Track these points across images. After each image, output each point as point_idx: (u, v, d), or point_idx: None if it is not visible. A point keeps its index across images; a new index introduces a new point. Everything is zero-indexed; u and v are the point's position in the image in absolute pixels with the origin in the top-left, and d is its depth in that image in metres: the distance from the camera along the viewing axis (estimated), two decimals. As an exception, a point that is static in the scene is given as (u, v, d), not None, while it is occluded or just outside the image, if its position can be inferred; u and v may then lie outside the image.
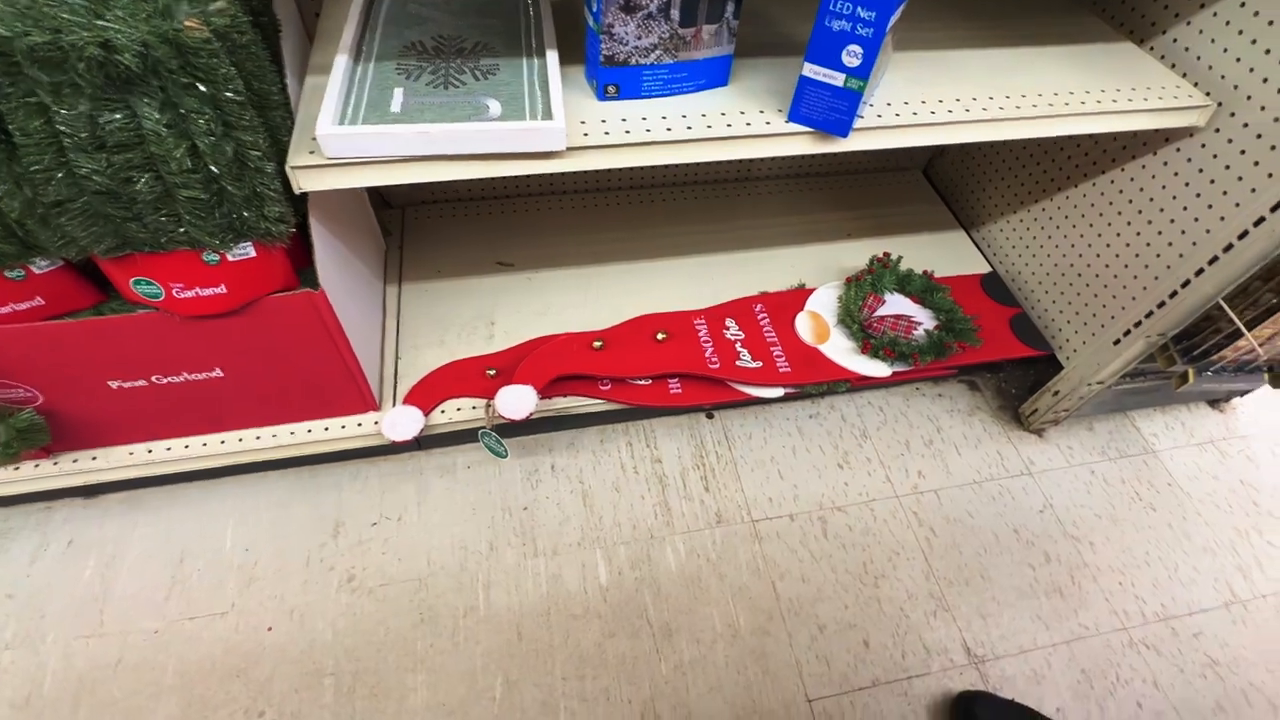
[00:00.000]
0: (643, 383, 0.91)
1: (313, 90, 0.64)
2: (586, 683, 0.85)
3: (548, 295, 1.03)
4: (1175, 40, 0.81)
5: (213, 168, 0.52)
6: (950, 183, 1.29)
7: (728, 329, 0.95)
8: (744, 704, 0.85)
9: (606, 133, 0.63)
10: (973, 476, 1.09)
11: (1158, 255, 0.87)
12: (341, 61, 0.63)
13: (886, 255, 1.05)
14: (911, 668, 0.90)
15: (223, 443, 0.83)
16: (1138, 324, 0.91)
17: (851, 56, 0.59)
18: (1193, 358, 0.93)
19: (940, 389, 1.19)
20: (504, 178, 0.63)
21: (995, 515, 1.05)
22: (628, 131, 0.64)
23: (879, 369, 0.93)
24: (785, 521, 1.01)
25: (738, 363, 0.91)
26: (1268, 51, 0.72)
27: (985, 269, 1.14)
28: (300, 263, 0.68)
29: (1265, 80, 0.72)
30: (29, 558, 0.90)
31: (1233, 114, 0.76)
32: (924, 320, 0.99)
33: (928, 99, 0.72)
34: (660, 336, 0.92)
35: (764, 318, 0.98)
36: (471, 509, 0.99)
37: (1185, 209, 0.83)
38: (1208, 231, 0.80)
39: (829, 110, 0.64)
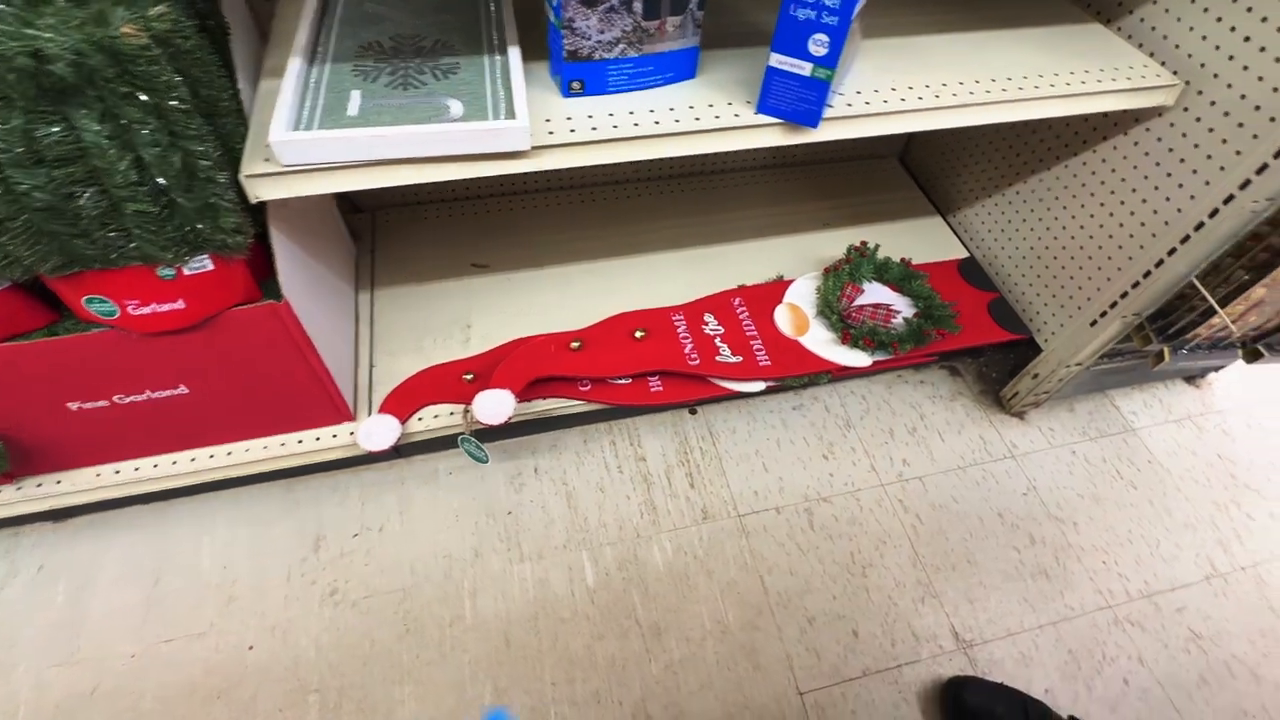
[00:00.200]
0: (623, 382, 0.90)
1: (267, 95, 0.62)
2: (576, 686, 0.85)
3: (525, 296, 1.01)
4: (1142, 20, 0.81)
5: (160, 180, 0.50)
6: (926, 169, 1.29)
7: (706, 324, 0.94)
8: (735, 700, 0.85)
9: (572, 130, 0.62)
10: (956, 462, 1.09)
11: (1131, 235, 0.87)
12: (295, 65, 0.61)
13: (864, 244, 1.05)
14: (901, 655, 0.90)
15: (193, 460, 0.81)
16: (1114, 305, 0.91)
17: (818, 45, 0.58)
18: (1168, 336, 0.94)
19: (922, 376, 1.19)
20: (477, 178, 0.61)
21: (980, 500, 1.05)
22: (594, 129, 0.62)
23: (859, 359, 0.92)
24: (772, 515, 1.01)
25: (717, 358, 0.90)
26: (1233, 29, 0.72)
27: (963, 254, 1.15)
28: (263, 273, 0.66)
29: (1231, 58, 0.72)
30: (-3, 586, 0.88)
31: (1200, 92, 0.76)
32: (903, 308, 0.98)
33: (898, 86, 0.71)
34: (639, 334, 0.91)
35: (743, 311, 0.97)
36: (455, 516, 0.97)
37: (1157, 188, 0.83)
38: (1179, 210, 0.80)
39: (798, 101, 0.63)
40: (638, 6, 0.60)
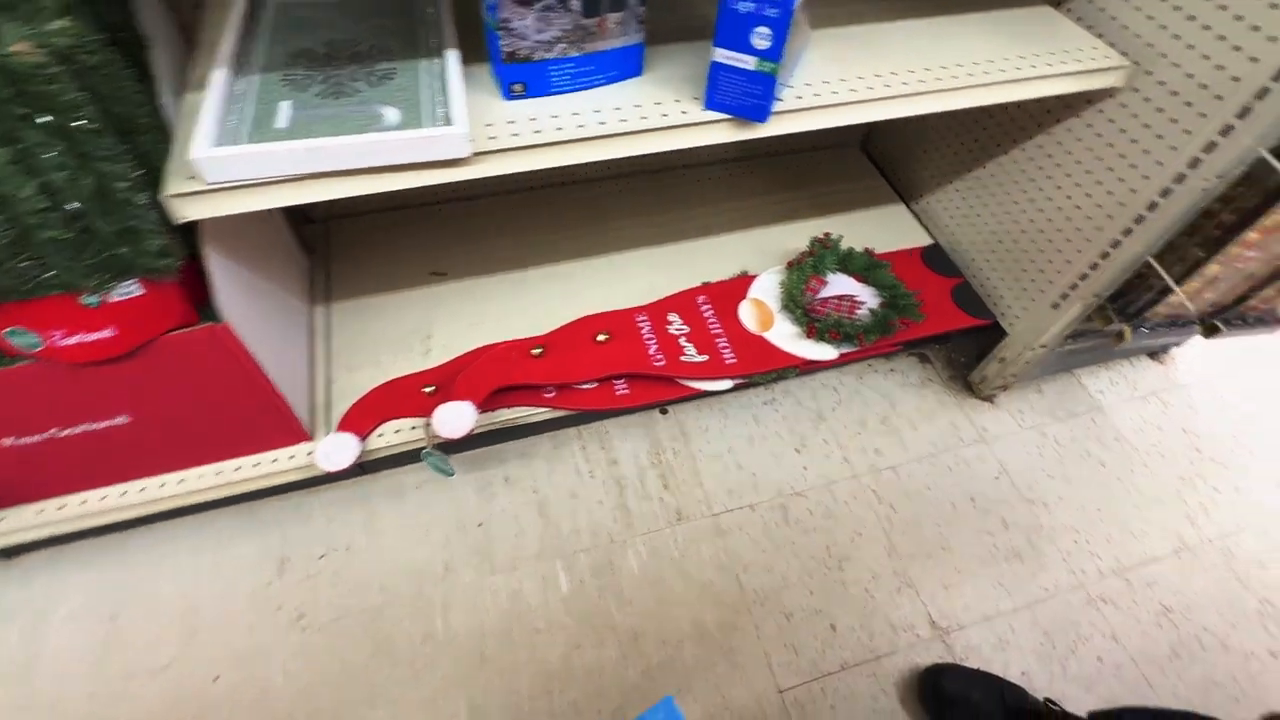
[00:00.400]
0: (588, 386, 0.88)
1: (192, 109, 0.59)
2: (554, 698, 0.83)
3: (485, 303, 0.99)
4: (1091, 1, 0.81)
5: (73, 204, 0.47)
6: (888, 156, 1.28)
7: (671, 324, 0.93)
8: (715, 702, 0.84)
9: (515, 134, 0.60)
10: (928, 449, 1.09)
11: (1088, 217, 0.87)
12: (220, 76, 0.58)
13: (827, 235, 1.04)
14: (879, 647, 0.90)
15: (143, 490, 0.78)
16: (1074, 286, 0.92)
17: (761, 39, 0.56)
18: (1128, 316, 0.94)
19: (892, 364, 1.19)
20: (432, 184, 0.59)
21: (952, 486, 1.06)
22: (537, 131, 0.60)
23: (825, 352, 0.92)
24: (746, 512, 1.00)
25: (682, 358, 0.89)
26: (1177, 8, 0.72)
27: (927, 241, 1.14)
28: (201, 295, 0.63)
29: (1177, 37, 0.72)
30: (-56, 630, 0.84)
31: (1149, 72, 0.76)
32: (867, 299, 0.98)
33: (848, 77, 0.70)
34: (602, 338, 0.89)
35: (708, 309, 0.96)
36: (424, 530, 0.95)
37: (1110, 169, 0.83)
38: (1133, 191, 0.81)
39: (744, 95, 0.61)
40: (576, 4, 0.58)
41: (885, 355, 1.16)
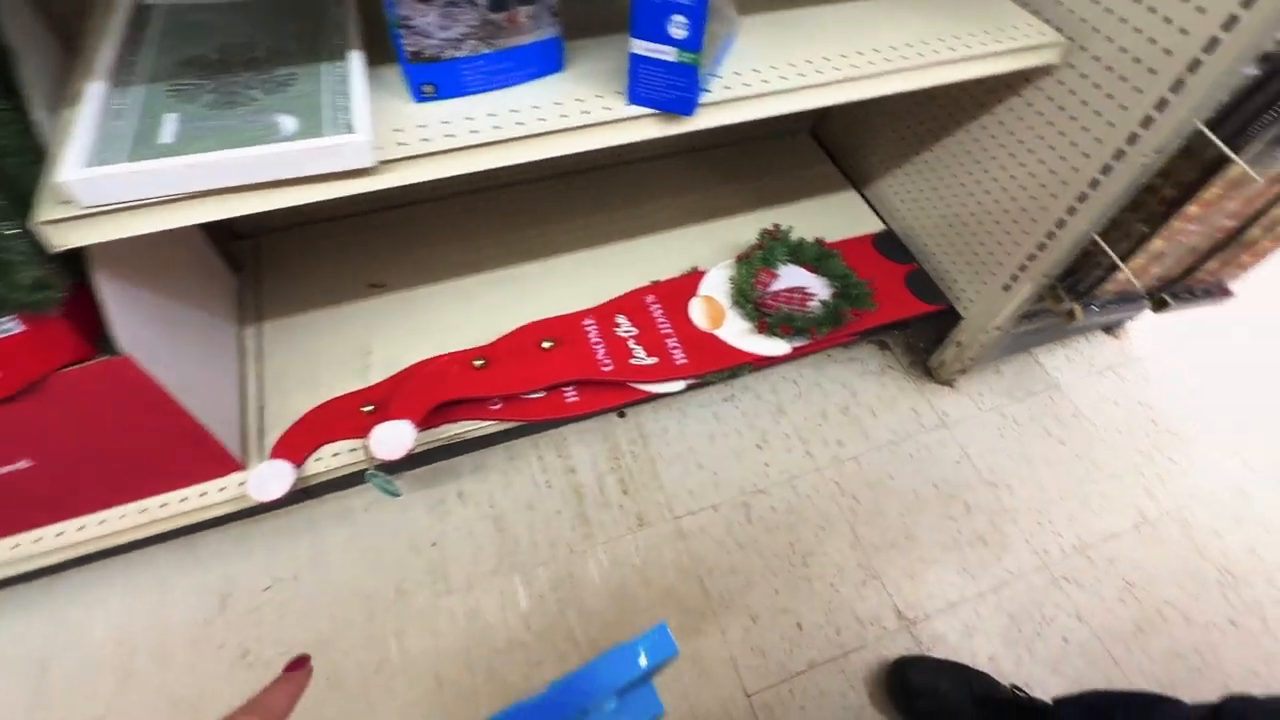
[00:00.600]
0: (536, 396, 0.85)
1: (67, 126, 0.54)
2: None
3: (427, 314, 0.95)
4: (1024, -23, 0.80)
5: (-78, 238, 0.43)
6: (839, 142, 1.27)
7: (619, 326, 0.90)
8: (682, 712, 0.83)
9: (425, 139, 0.56)
10: (890, 437, 1.08)
11: (1033, 197, 0.86)
12: (97, 89, 0.53)
13: (776, 227, 1.02)
14: (846, 643, 0.89)
15: (60, 535, 0.73)
16: (1023, 267, 0.91)
17: (678, 28, 0.53)
18: (1078, 294, 0.94)
19: (851, 353, 1.18)
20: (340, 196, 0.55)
21: (915, 473, 1.05)
22: (450, 135, 0.57)
23: (778, 347, 0.90)
24: (709, 513, 0.98)
25: (632, 361, 0.86)
26: (1107, -19, 0.70)
27: (879, 227, 1.13)
28: (98, 326, 0.59)
29: (1109, 11, 0.71)
30: None
31: (1084, 48, 0.75)
32: (819, 290, 0.96)
33: (779, 64, 0.67)
34: (547, 344, 0.86)
35: (657, 308, 0.93)
36: (375, 554, 0.92)
37: (1052, 148, 0.82)
38: (1075, 169, 0.80)
39: (668, 89, 0.59)
40: (480, -2, 0.55)
41: (844, 344, 1.15)
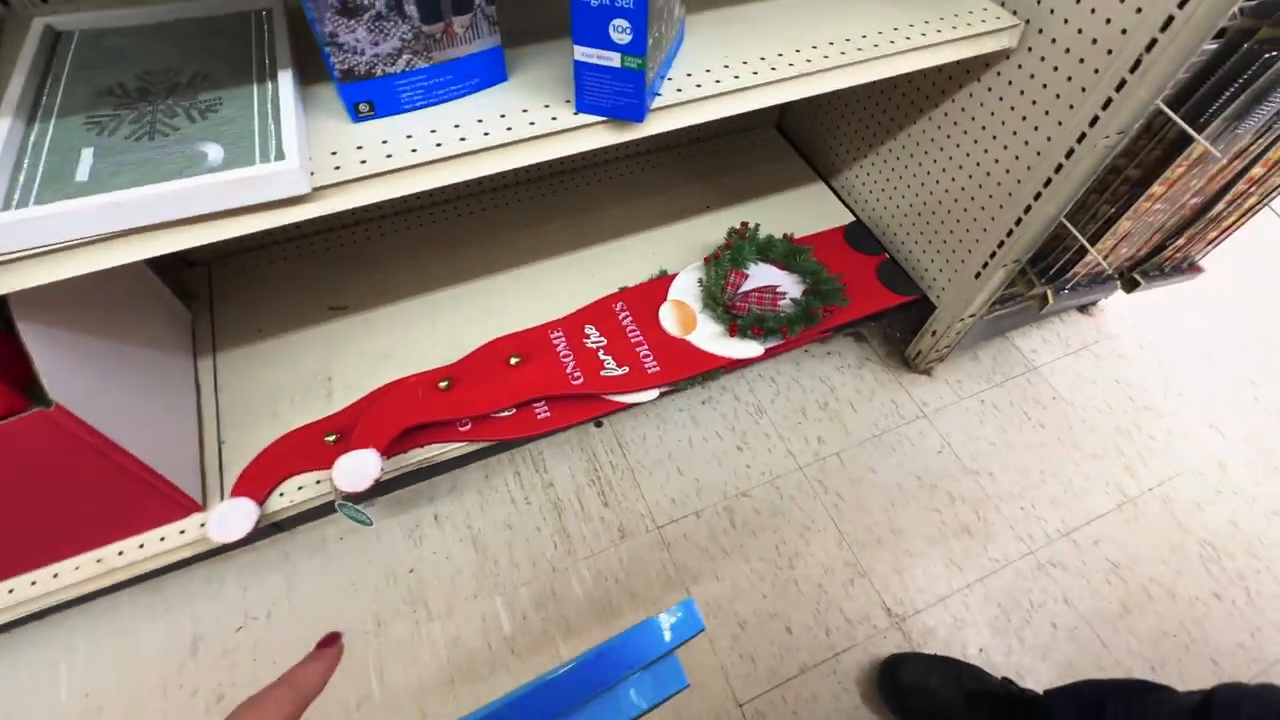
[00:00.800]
0: (506, 414, 0.83)
1: (-24, 168, 0.51)
2: (504, 748, 0.79)
3: (390, 335, 0.92)
4: (977, -40, 0.78)
5: None
6: (804, 134, 1.25)
7: (588, 337, 0.88)
8: (674, 727, 0.81)
9: (363, 161, 0.54)
10: (871, 430, 1.07)
11: (998, 184, 0.85)
12: (5, 126, 0.50)
13: (744, 225, 1.00)
14: (837, 644, 0.88)
15: (11, 592, 0.70)
16: (993, 254, 0.90)
17: (620, 33, 0.51)
18: (1049, 278, 0.93)
19: (828, 346, 1.17)
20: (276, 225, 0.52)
21: (897, 466, 1.04)
22: (390, 156, 0.54)
23: (751, 349, 0.88)
24: (692, 520, 0.97)
25: (602, 372, 0.84)
26: (1061, -39, 0.69)
27: (849, 219, 1.12)
28: (27, 375, 0.55)
29: (1064, -9, 0.70)
30: None
31: (1040, 30, 0.73)
32: (790, 287, 0.95)
33: (731, 62, 0.65)
34: (514, 360, 0.84)
35: (626, 316, 0.91)
36: (350, 585, 0.89)
37: (1015, 133, 0.81)
38: (1039, 154, 0.78)
39: (615, 95, 0.56)
40: (411, 10, 0.52)
41: (820, 339, 1.14)
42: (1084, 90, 0.71)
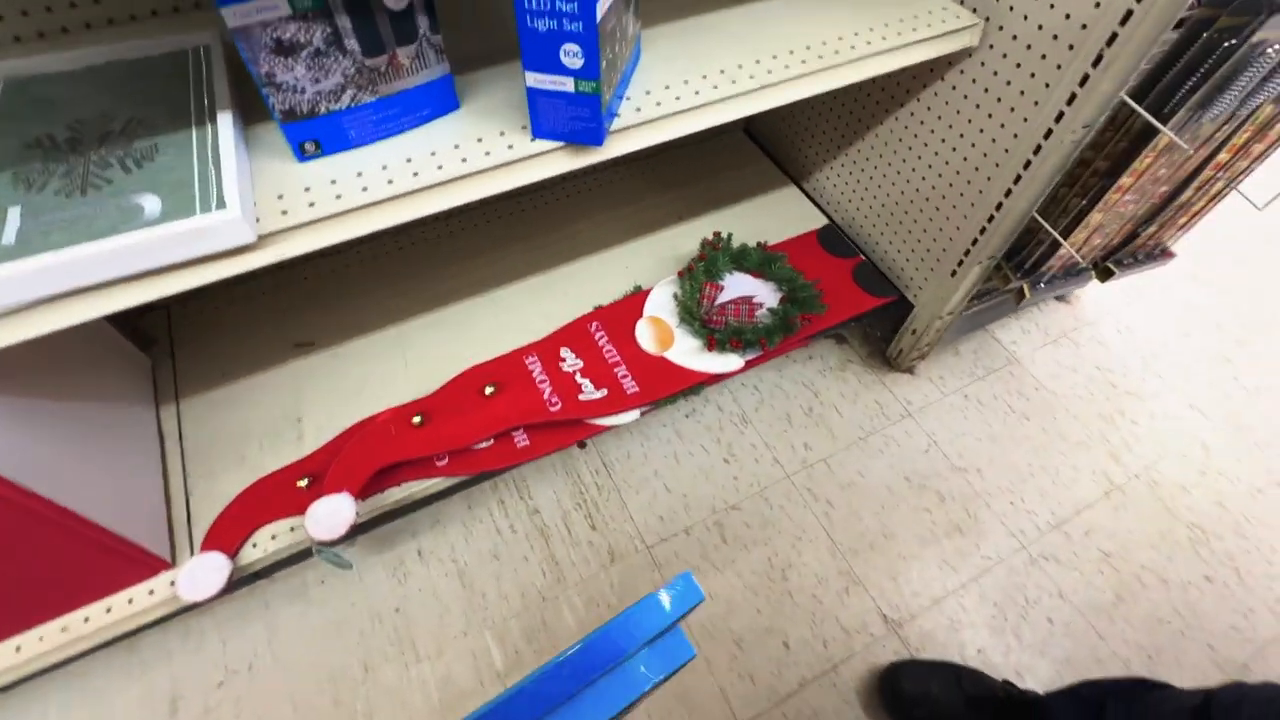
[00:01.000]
0: (484, 445, 0.80)
1: (-106, 235, 0.48)
2: (502, 789, 0.76)
3: (360, 369, 0.90)
4: (934, -42, 0.77)
5: None
6: (773, 137, 1.24)
7: (564, 361, 0.86)
8: (675, 754, 0.80)
9: (312, 204, 0.51)
10: (857, 434, 1.07)
11: (969, 181, 0.85)
12: (-78, 189, 0.47)
13: (717, 235, 0.99)
14: (835, 655, 0.87)
15: (-29, 669, 0.66)
16: (968, 252, 0.89)
17: (571, 57, 0.49)
18: (1025, 272, 0.93)
19: (810, 350, 1.16)
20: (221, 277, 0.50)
21: (885, 468, 1.03)
22: (339, 197, 0.52)
23: (730, 363, 0.87)
24: (682, 538, 0.95)
25: (580, 396, 0.82)
26: (1016, -42, 0.68)
27: (822, 222, 1.11)
28: (-32, 448, 0.52)
29: (1022, -12, 0.69)
30: None
31: (1001, 28, 0.73)
32: (767, 297, 0.93)
33: (691, 77, 0.64)
34: (489, 390, 0.82)
35: (601, 336, 0.89)
36: (335, 630, 0.86)
37: (982, 131, 0.80)
38: (1006, 151, 0.78)
39: (572, 120, 0.54)
40: (351, 44, 0.50)
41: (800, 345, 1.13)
42: (1048, 86, 0.70)
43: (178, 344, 0.91)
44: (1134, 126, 0.72)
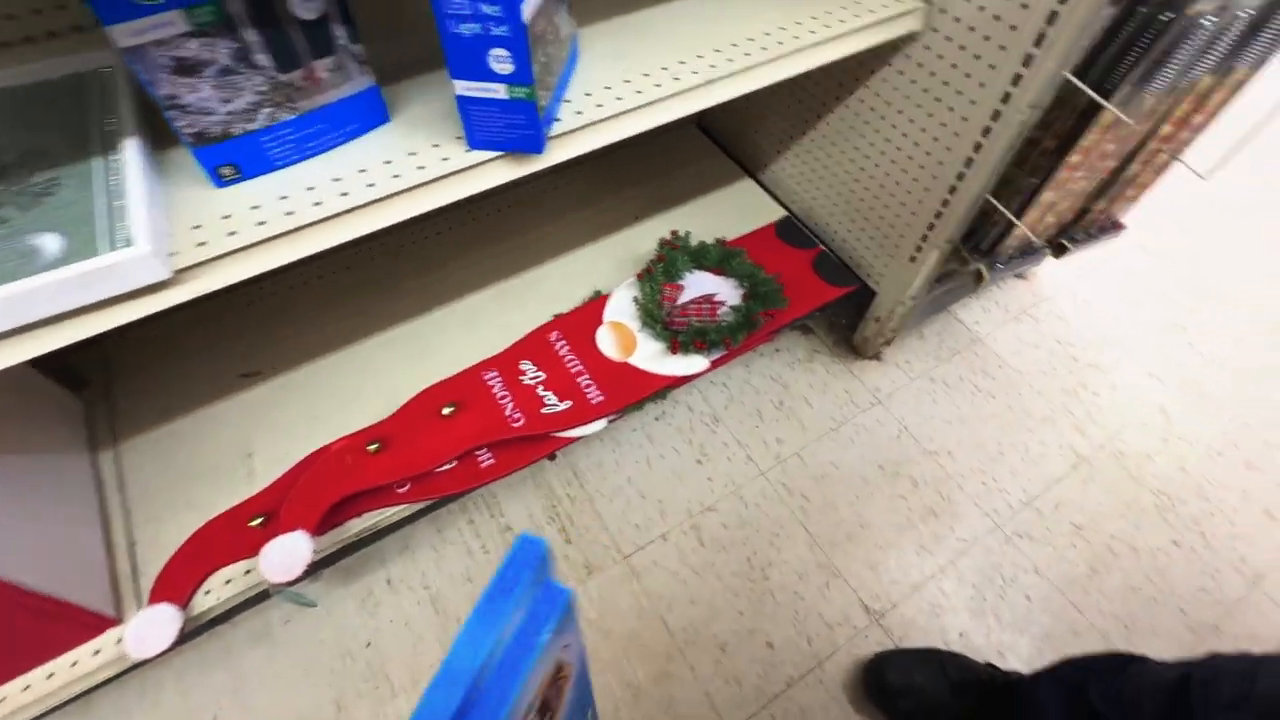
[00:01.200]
0: (447, 467, 0.77)
1: None
2: (489, 821, 0.74)
3: (313, 395, 0.86)
4: (873, -58, 0.76)
5: None
6: (726, 130, 1.22)
7: (525, 374, 0.83)
8: (664, 767, 0.78)
9: (233, 232, 0.48)
10: (828, 424, 1.06)
11: (922, 166, 0.84)
12: None
13: (674, 234, 0.97)
14: (820, 651, 0.86)
15: (-103, 754, 0.62)
16: (925, 237, 0.89)
17: (501, 62, 0.47)
18: (983, 253, 0.93)
19: (776, 343, 1.15)
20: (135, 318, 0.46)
21: (858, 457, 1.03)
22: (262, 223, 0.49)
23: (696, 364, 0.85)
24: (659, 545, 0.93)
25: (544, 410, 0.80)
26: (955, -61, 0.68)
27: (780, 214, 1.10)
28: None
29: (960, -31, 0.68)
30: None
31: (943, 10, 0.72)
32: (728, 294, 0.92)
33: (633, 75, 0.62)
34: (448, 410, 0.79)
35: (563, 345, 0.87)
36: (304, 671, 0.82)
37: (931, 115, 0.80)
38: (956, 135, 0.77)
39: (508, 128, 0.52)
40: (262, 59, 0.46)
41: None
42: (993, 67, 0.70)
43: (116, 383, 0.86)
44: (1080, 104, 0.72)
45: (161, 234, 0.46)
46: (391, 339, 0.92)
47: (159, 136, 0.54)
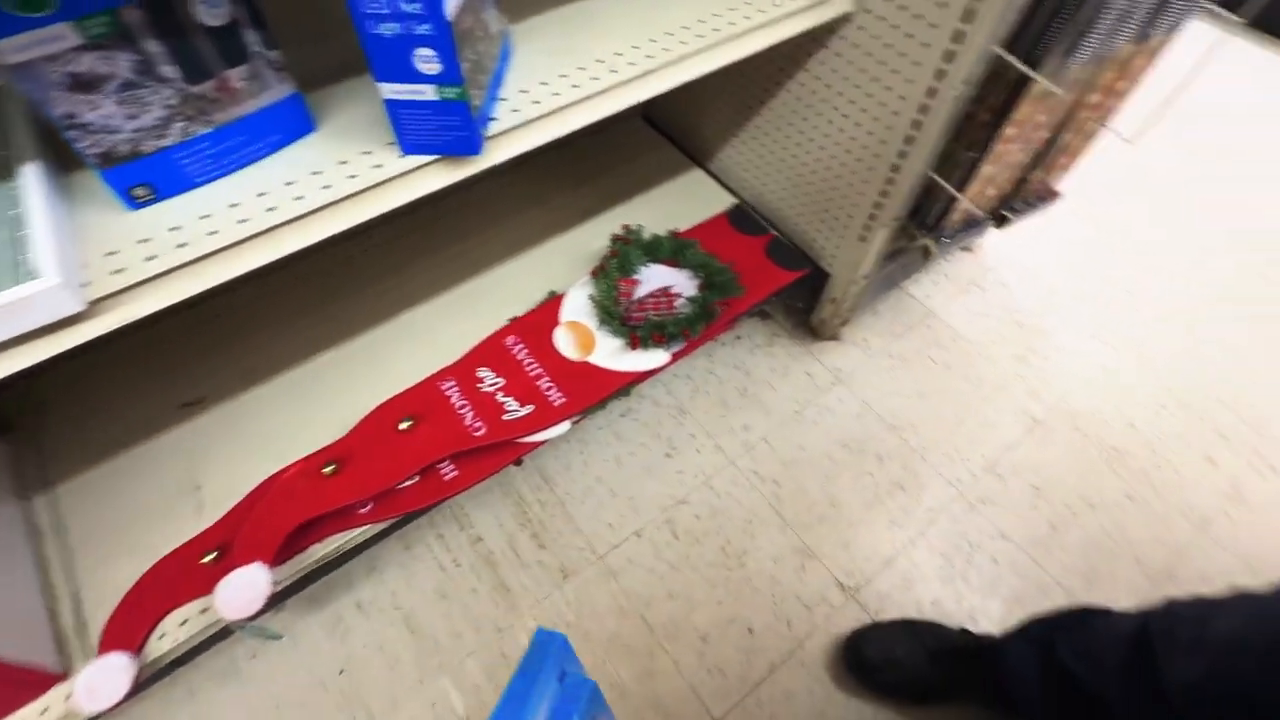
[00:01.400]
0: (409, 484, 0.75)
1: None
2: (480, 839, 0.73)
3: (261, 421, 0.82)
4: (801, -75, 0.76)
5: None
6: (672, 121, 1.22)
7: (483, 381, 0.81)
8: (654, 764, 0.78)
9: (151, 257, 0.45)
10: (792, 408, 1.07)
11: (864, 146, 0.85)
12: None
13: (626, 229, 0.96)
14: (799, 632, 0.87)
15: None
16: (872, 215, 0.90)
17: (427, 63, 0.45)
18: (929, 229, 0.95)
19: (737, 330, 1.15)
20: (47, 356, 0.43)
21: (823, 437, 1.04)
22: (183, 245, 0.46)
23: (657, 359, 0.85)
24: (633, 542, 0.93)
25: (505, 417, 0.78)
26: (880, -81, 0.68)
27: (731, 201, 1.10)
28: None
29: (888, -52, 0.69)
30: None
31: (874, -10, 0.73)
32: (684, 285, 0.91)
33: (569, 70, 0.60)
34: (404, 425, 0.76)
35: (520, 349, 0.85)
36: (275, 707, 0.79)
37: (870, 95, 0.80)
38: (895, 113, 0.78)
39: (441, 131, 0.50)
40: (168, 71, 0.44)
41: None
42: (926, 45, 0.71)
43: (46, 424, 0.81)
44: (1011, 77, 0.73)
45: (71, 264, 0.43)
46: (342, 355, 0.89)
47: (64, 159, 0.50)
